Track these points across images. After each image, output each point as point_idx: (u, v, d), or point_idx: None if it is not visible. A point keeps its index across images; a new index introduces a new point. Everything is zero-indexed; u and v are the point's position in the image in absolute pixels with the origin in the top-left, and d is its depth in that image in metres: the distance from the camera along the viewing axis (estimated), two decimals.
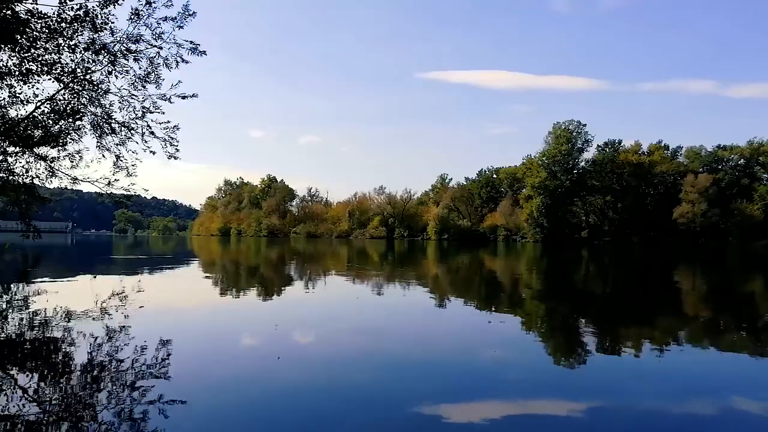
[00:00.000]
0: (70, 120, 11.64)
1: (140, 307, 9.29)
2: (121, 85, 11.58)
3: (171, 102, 11.73)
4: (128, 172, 12.18)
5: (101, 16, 10.49)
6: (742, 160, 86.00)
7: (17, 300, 10.16)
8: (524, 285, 15.89)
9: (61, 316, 8.06)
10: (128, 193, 12.73)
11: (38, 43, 10.30)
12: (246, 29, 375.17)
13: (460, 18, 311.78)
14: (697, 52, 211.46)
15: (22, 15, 9.92)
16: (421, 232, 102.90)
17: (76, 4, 10.23)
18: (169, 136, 12.07)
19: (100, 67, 11.28)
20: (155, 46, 11.23)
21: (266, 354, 6.23)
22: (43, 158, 12.02)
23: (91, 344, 6.15)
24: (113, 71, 11.36)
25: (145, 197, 13.21)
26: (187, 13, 11.07)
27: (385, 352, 6.37)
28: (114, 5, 10.52)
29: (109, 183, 12.15)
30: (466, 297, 12.42)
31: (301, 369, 5.42)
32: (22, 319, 7.82)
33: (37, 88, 10.99)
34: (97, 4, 10.37)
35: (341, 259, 29.82)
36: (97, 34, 10.73)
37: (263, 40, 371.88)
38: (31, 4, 9.98)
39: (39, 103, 11.20)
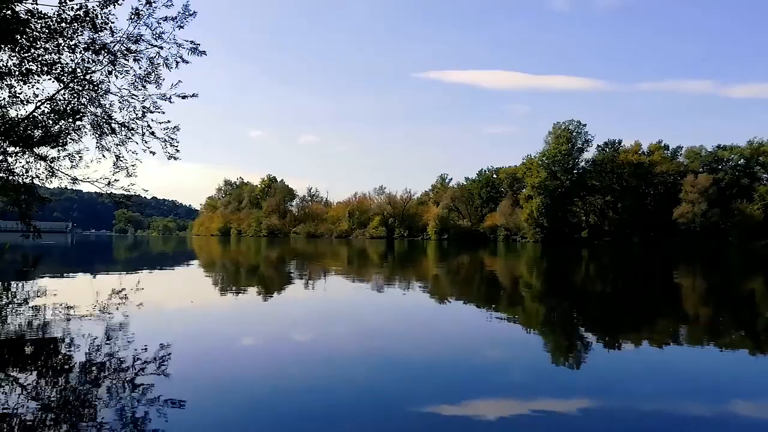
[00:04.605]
0: (70, 120, 11.62)
1: (139, 305, 9.29)
2: (121, 85, 11.58)
3: (171, 102, 11.73)
4: (128, 172, 12.17)
5: (101, 16, 10.48)
6: (742, 160, 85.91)
7: (17, 300, 10.16)
8: (524, 285, 15.90)
9: (61, 316, 8.06)
10: (128, 193, 12.71)
11: (38, 43, 10.29)
12: (246, 29, 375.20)
13: (458, 18, 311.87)
14: (697, 51, 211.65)
15: (22, 15, 9.91)
16: (421, 232, 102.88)
17: (76, 4, 10.23)
18: (169, 136, 12.06)
19: (100, 67, 11.27)
20: (155, 46, 11.23)
21: (266, 354, 6.24)
22: (43, 158, 12.01)
23: (90, 344, 6.16)
24: (113, 71, 11.35)
25: (145, 197, 13.19)
26: (187, 13, 11.07)
27: (384, 353, 6.37)
28: (114, 5, 10.50)
29: (109, 183, 12.14)
30: (465, 297, 12.41)
31: (300, 369, 5.42)
32: (21, 319, 7.82)
33: (37, 88, 10.98)
34: (97, 4, 10.36)
35: (341, 259, 29.82)
36: (97, 34, 10.72)
37: (263, 40, 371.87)
38: (31, 4, 9.97)
39: (39, 103, 11.19)
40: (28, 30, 9.98)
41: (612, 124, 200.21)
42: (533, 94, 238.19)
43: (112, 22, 10.69)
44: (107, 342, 6.31)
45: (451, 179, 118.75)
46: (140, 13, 10.87)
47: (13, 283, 13.44)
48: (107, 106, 11.82)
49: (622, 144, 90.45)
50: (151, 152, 12.11)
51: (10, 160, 11.71)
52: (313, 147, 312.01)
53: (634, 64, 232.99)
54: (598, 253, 41.30)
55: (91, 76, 11.35)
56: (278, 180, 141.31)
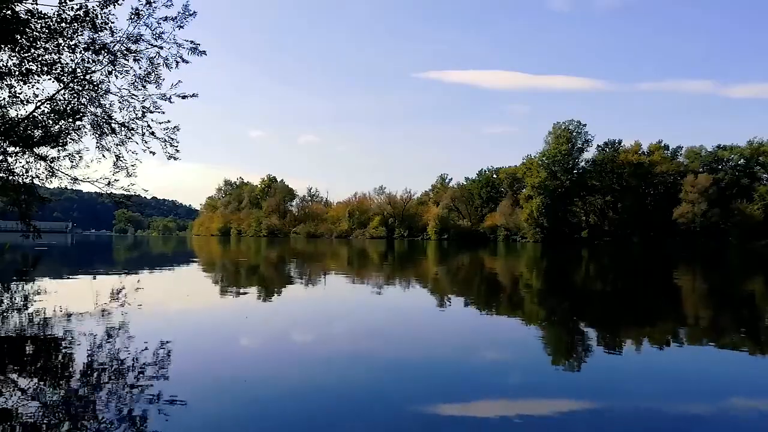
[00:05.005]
0: (70, 120, 11.62)
1: (139, 305, 9.29)
2: (121, 85, 11.59)
3: (171, 102, 11.74)
4: (128, 172, 12.18)
5: (101, 16, 10.48)
6: (742, 160, 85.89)
7: (17, 300, 10.16)
8: (524, 285, 15.90)
9: (61, 316, 8.06)
10: (128, 193, 12.73)
11: (38, 43, 10.29)
12: (246, 29, 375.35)
13: (458, 18, 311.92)
14: (697, 51, 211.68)
15: (22, 15, 9.91)
16: (421, 232, 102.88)
17: (76, 4, 10.23)
18: (169, 136, 12.08)
19: (100, 67, 11.27)
20: (155, 46, 11.23)
21: (265, 354, 6.24)
22: (43, 158, 12.01)
23: (90, 344, 6.15)
24: (113, 71, 11.36)
25: (145, 197, 13.21)
26: (187, 13, 11.07)
27: (384, 353, 6.37)
28: (114, 5, 10.51)
29: (109, 183, 12.15)
30: (465, 297, 12.41)
31: (299, 369, 5.42)
32: (22, 319, 7.82)
33: (37, 88, 10.98)
34: (97, 4, 10.37)
35: (341, 259, 29.83)
36: (97, 34, 10.72)
37: (263, 40, 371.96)
38: (31, 4, 9.97)
39: (39, 103, 11.19)
40: (28, 30, 9.98)
41: (612, 124, 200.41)
42: (533, 94, 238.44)
43: (112, 22, 10.71)
44: (107, 342, 6.31)
45: (451, 179, 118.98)
46: (140, 13, 10.88)
47: (13, 283, 13.43)
48: (107, 106, 11.84)
49: (622, 144, 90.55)
50: (151, 152, 12.13)
51: (10, 160, 11.72)
52: (313, 147, 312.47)
53: (634, 64, 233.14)
54: (598, 253, 41.30)
55: (91, 76, 11.35)
56: (278, 180, 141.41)
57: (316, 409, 4.19)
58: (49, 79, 10.91)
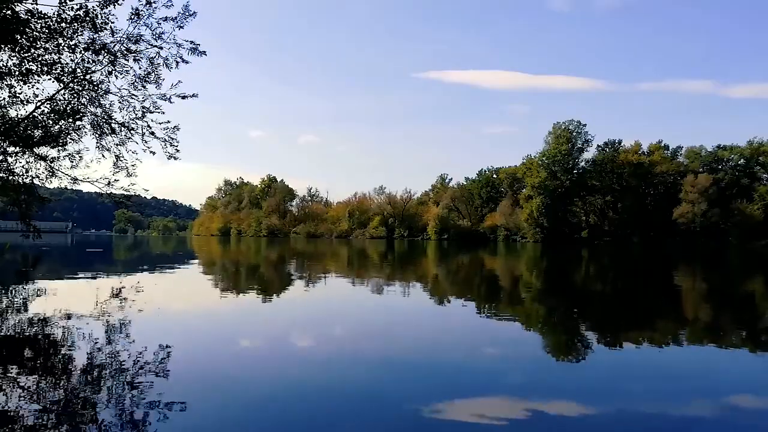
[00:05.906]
0: (70, 120, 11.63)
1: (139, 310, 9.29)
2: (121, 85, 11.60)
3: (171, 102, 11.75)
4: (128, 172, 12.20)
5: (101, 16, 10.49)
6: (742, 160, 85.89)
7: (17, 300, 10.16)
8: (524, 285, 15.90)
9: (61, 316, 8.05)
10: (128, 193, 12.75)
11: (38, 43, 10.30)
12: (246, 29, 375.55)
13: (458, 18, 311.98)
14: (697, 51, 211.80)
15: (22, 15, 9.91)
16: (421, 232, 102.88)
17: (76, 4, 10.24)
18: (169, 136, 12.09)
19: (100, 67, 11.28)
20: (155, 46, 11.25)
21: (265, 354, 6.24)
22: (43, 158, 12.02)
23: (90, 345, 6.15)
24: (113, 71, 11.37)
25: (145, 197, 13.23)
26: (187, 13, 11.08)
27: (384, 353, 6.36)
28: (114, 5, 10.52)
29: (109, 183, 12.17)
30: (465, 297, 12.41)
31: (300, 370, 5.42)
32: (21, 320, 7.82)
33: (37, 88, 11.00)
34: (97, 4, 10.37)
35: (341, 259, 29.82)
36: (97, 34, 10.73)
37: (263, 40, 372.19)
38: (31, 4, 9.98)
39: (39, 103, 11.20)
40: (28, 30, 9.99)
41: (612, 124, 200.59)
42: (533, 94, 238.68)
43: (112, 22, 10.73)
44: (107, 343, 6.31)
45: (451, 179, 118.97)
46: (140, 13, 10.88)
47: (12, 283, 13.43)
48: (107, 106, 11.85)
49: (622, 144, 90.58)
50: (151, 152, 12.14)
51: (10, 160, 11.73)
52: (313, 147, 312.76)
53: (634, 64, 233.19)
54: (598, 253, 41.29)
55: (91, 76, 11.36)
56: (278, 180, 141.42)
57: (316, 409, 4.18)
58: (49, 79, 10.93)
